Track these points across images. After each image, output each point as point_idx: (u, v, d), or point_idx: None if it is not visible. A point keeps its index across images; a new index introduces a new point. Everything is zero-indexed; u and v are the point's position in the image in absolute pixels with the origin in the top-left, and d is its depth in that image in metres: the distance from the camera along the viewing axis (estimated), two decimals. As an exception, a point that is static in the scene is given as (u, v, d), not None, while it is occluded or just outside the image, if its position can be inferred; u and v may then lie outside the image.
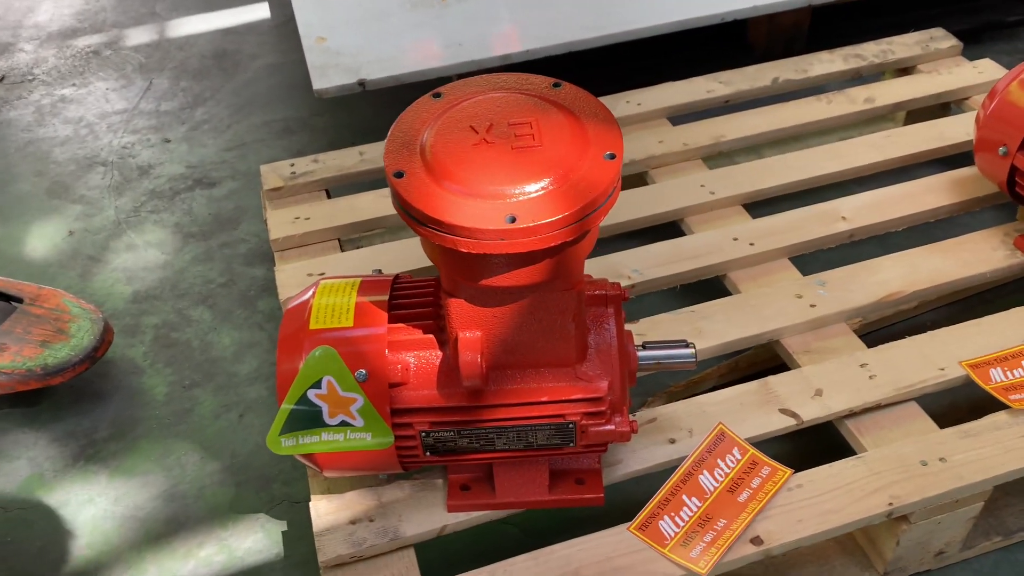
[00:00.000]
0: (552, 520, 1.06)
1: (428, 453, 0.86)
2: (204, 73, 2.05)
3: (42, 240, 1.60)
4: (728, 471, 0.93)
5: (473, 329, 0.80)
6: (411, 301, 0.87)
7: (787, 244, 1.22)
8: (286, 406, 0.83)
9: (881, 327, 1.26)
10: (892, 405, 1.01)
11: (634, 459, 0.96)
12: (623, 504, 0.92)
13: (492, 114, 0.76)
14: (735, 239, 1.23)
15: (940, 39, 1.60)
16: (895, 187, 1.30)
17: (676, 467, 0.94)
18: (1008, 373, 1.01)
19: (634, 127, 1.47)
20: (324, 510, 0.93)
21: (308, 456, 0.87)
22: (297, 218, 1.33)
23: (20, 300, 1.31)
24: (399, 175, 0.73)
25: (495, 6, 1.63)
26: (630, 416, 0.87)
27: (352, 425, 0.83)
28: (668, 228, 1.30)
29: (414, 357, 0.84)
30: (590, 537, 0.89)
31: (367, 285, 0.88)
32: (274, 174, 1.41)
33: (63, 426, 1.26)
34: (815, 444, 1.07)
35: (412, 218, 0.72)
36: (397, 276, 0.90)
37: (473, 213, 0.69)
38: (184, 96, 1.97)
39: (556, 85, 0.80)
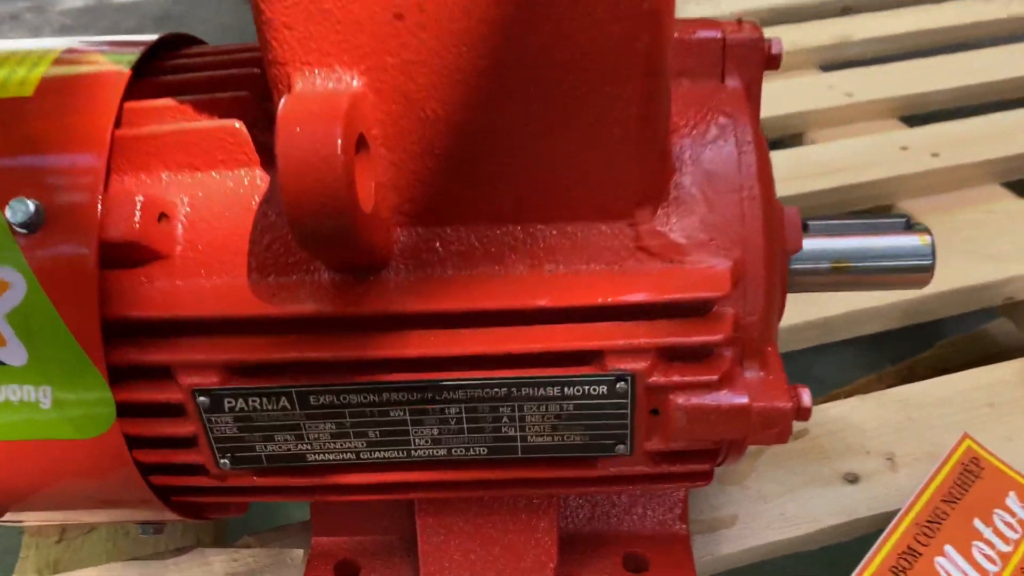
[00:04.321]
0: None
1: (227, 462, 0.32)
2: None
3: None
4: (1010, 539, 0.37)
5: (344, 66, 0.27)
6: (210, 61, 0.34)
7: (991, 157, 0.68)
8: None
9: None
10: None
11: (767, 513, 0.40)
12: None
13: None
14: (904, 148, 0.70)
15: None
16: None
17: (876, 536, 0.38)
18: None
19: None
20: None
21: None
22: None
23: None
24: None
25: None
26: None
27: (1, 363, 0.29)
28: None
29: (196, 182, 0.31)
30: None
31: (115, 44, 0.35)
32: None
33: None
34: None
35: None
36: (184, 36, 0.38)
37: None
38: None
39: None
